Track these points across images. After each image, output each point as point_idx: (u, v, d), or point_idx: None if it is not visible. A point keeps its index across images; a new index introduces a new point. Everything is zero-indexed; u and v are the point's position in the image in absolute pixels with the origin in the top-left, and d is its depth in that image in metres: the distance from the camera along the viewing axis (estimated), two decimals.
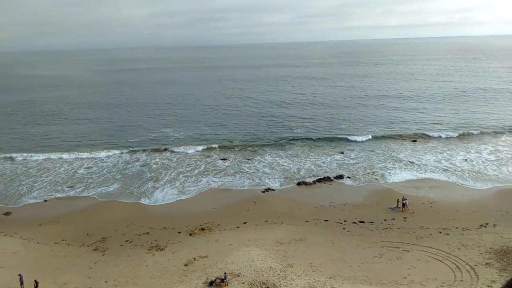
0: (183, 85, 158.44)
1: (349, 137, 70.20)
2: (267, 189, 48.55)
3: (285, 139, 70.49)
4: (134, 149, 66.75)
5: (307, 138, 70.79)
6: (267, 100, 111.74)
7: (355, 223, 38.65)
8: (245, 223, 39.47)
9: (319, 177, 51.96)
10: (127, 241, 36.66)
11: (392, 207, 41.94)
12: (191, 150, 65.25)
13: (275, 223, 39.34)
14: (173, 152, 64.78)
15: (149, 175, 54.68)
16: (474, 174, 52.17)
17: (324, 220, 39.44)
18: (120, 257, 33.33)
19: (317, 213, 41.12)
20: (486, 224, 37.18)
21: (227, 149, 65.49)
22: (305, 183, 50.33)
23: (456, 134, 70.08)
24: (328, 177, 51.95)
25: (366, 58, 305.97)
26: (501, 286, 13.22)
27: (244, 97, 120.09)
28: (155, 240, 36.25)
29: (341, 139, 70.17)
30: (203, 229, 38.02)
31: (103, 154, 64.39)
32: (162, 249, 34.20)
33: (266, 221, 39.80)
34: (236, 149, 65.61)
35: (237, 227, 38.54)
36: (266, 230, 37.31)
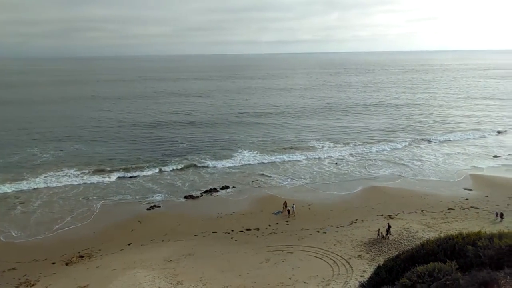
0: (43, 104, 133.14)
1: (234, 153, 71.83)
2: (153, 206, 46.77)
3: (167, 156, 68.45)
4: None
5: (190, 151, 70.52)
6: (143, 121, 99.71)
7: (242, 231, 39.55)
8: (129, 244, 37.32)
9: (205, 189, 52.05)
10: None
11: (275, 212, 44.09)
12: (64, 172, 59.41)
13: (163, 240, 38.07)
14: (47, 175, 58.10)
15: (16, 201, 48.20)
16: (340, 176, 58.04)
17: (213, 232, 39.53)
18: None
19: (205, 226, 41.02)
20: (356, 220, 41.49)
21: (103, 171, 59.94)
22: (192, 197, 49.87)
23: (332, 144, 76.39)
24: (215, 189, 52.38)
25: (244, 72, 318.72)
26: (369, 275, 14.76)
27: (117, 118, 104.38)
28: (24, 276, 31.87)
29: (226, 154, 71.37)
30: (81, 257, 34.77)
31: None
32: (33, 285, 30.23)
33: (152, 239, 38.24)
34: (114, 169, 61.21)
35: (121, 249, 36.21)
36: (153, 249, 35.84)
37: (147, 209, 46.05)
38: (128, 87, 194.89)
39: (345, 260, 32.27)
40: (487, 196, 47.66)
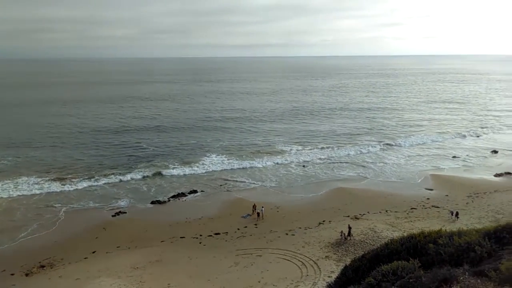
0: None
1: (201, 157, 71.31)
2: (118, 213, 45.58)
3: (132, 161, 66.86)
4: None
5: (156, 156, 69.46)
6: (107, 126, 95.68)
7: (210, 236, 39.25)
8: (94, 252, 36.18)
9: (172, 194, 51.33)
10: None
11: (244, 215, 44.08)
12: (23, 179, 56.95)
13: (129, 247, 37.17)
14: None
15: None
16: (308, 178, 58.84)
17: (181, 237, 39.00)
18: None
19: (173, 231, 40.42)
20: (323, 221, 42.11)
21: (65, 178, 57.33)
22: (159, 202, 49.04)
23: (299, 147, 77.26)
24: (182, 193, 51.74)
25: (211, 76, 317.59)
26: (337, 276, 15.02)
27: (79, 123, 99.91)
28: None
29: (193, 159, 70.76)
30: (42, 267, 33.35)
31: None
32: None
33: (118, 247, 37.27)
34: (76, 176, 59.12)
35: (85, 258, 35.04)
36: (119, 257, 34.92)
37: (112, 216, 44.85)
38: (90, 90, 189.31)
39: (313, 261, 32.67)
40: (447, 195, 49.63)
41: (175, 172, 60.81)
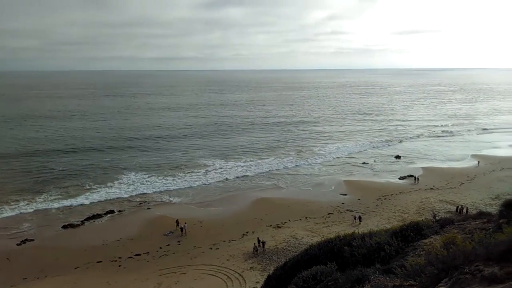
0: None
1: (119, 176, 67.99)
2: (24, 240, 41.38)
3: (39, 184, 61.50)
4: None
5: (67, 177, 64.79)
6: (6, 150, 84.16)
7: (131, 257, 37.41)
8: None
9: (87, 216, 48.07)
10: None
11: (167, 233, 42.82)
12: None
13: (38, 278, 33.91)
14: None
15: None
16: (230, 191, 59.22)
17: (97, 262, 36.58)
18: None
19: (89, 256, 37.76)
20: (247, 232, 42.54)
21: None
22: (72, 225, 45.57)
23: (220, 161, 77.47)
24: (98, 214, 48.72)
25: (124, 90, 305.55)
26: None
27: None
28: None
29: (109, 178, 67.27)
30: None
31: None
32: None
33: (25, 278, 33.80)
34: None
35: None
36: None
37: (17, 244, 40.61)
38: None
39: (238, 273, 32.76)
40: (359, 199, 53.21)
41: (89, 193, 57.11)
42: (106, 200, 54.47)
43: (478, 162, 72.13)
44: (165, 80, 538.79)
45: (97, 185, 60.22)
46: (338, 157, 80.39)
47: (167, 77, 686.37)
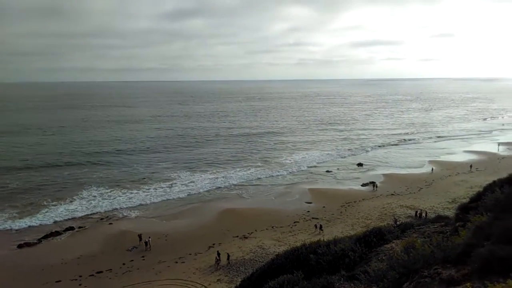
0: None
1: (79, 192, 65.57)
2: None
3: None
4: None
5: (22, 194, 61.74)
6: None
7: (92, 275, 35.93)
8: None
9: (45, 234, 45.86)
10: None
11: (130, 248, 41.59)
12: None
13: None
14: None
15: None
16: (195, 203, 58.54)
17: (56, 282, 34.82)
18: None
19: (47, 276, 35.92)
20: (213, 244, 42.02)
21: None
22: (28, 244, 43.30)
23: (185, 173, 76.59)
24: (57, 232, 46.63)
25: (86, 102, 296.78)
26: None
27: None
28: None
29: (68, 193, 64.76)
30: None
31: None
32: None
33: None
34: None
35: None
36: None
37: None
38: None
39: (204, 287, 32.26)
40: (324, 207, 54.01)
41: (46, 209, 54.58)
42: (66, 216, 52.23)
43: (432, 169, 74.96)
44: (126, 91, 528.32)
45: (56, 202, 57.70)
46: (302, 166, 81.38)
47: (128, 88, 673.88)
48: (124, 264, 38.16)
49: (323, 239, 17.21)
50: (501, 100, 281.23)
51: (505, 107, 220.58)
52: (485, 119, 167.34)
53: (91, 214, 53.11)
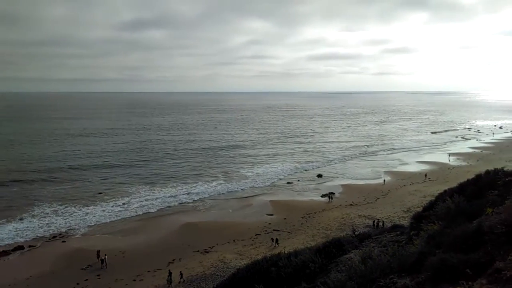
0: None
1: (29, 208, 62.15)
2: None
3: None
4: None
5: None
6: None
7: None
8: None
9: None
10: None
11: (85, 266, 39.76)
12: None
13: None
14: None
15: None
16: (153, 218, 57.15)
17: None
18: None
19: None
20: (173, 260, 41.02)
21: None
22: None
23: (144, 187, 74.73)
24: (5, 251, 43.79)
25: (40, 113, 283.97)
26: None
27: None
28: None
29: (16, 211, 61.29)
30: None
31: None
32: None
33: None
34: None
35: None
36: None
37: None
38: None
39: None
40: (285, 219, 54.34)
41: None
42: (15, 235, 49.25)
43: (384, 180, 77.22)
44: (83, 102, 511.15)
45: (3, 219, 54.31)
46: (264, 179, 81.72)
47: (85, 99, 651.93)
48: (78, 284, 36.37)
49: (284, 251, 17.26)
50: (450, 112, 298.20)
51: (453, 119, 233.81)
52: (435, 132, 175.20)
53: (43, 232, 50.41)
